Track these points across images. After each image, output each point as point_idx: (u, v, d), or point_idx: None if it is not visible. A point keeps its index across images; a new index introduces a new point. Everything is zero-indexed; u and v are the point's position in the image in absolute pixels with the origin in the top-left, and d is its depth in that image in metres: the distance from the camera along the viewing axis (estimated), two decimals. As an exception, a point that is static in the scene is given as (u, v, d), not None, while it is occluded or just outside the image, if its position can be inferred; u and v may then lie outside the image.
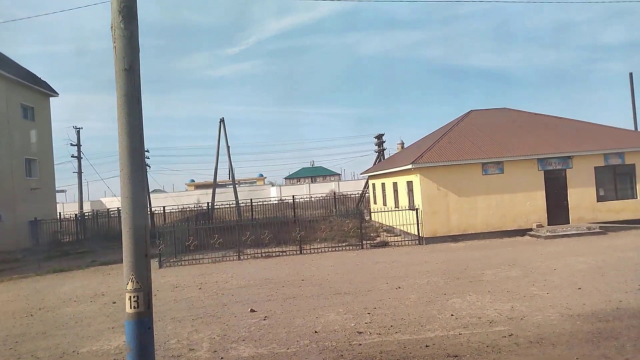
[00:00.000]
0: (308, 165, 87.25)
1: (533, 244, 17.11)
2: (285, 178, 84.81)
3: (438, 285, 11.14)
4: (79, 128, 39.35)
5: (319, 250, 18.34)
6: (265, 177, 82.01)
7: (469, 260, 14.42)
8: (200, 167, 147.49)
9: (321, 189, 53.72)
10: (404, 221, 19.87)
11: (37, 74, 31.19)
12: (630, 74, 29.81)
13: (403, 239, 19.56)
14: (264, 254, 18.16)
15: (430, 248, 17.75)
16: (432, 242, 18.60)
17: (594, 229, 18.37)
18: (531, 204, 19.17)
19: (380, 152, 36.15)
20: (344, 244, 19.27)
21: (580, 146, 19.81)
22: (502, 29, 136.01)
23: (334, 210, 32.01)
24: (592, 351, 6.45)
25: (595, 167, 19.62)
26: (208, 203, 33.97)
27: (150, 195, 48.31)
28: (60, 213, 32.63)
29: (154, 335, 8.33)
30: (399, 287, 11.16)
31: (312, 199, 35.98)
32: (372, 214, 29.12)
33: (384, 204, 25.65)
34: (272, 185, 67.59)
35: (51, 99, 31.91)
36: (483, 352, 6.68)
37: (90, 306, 11.49)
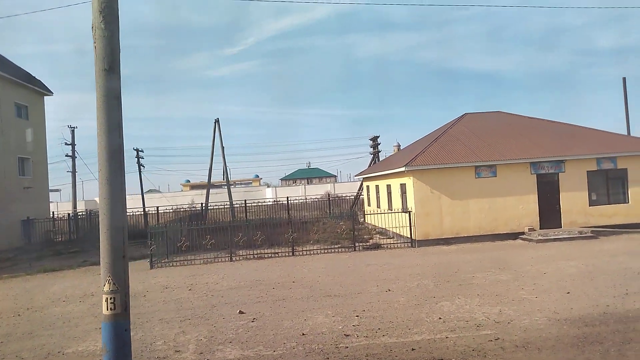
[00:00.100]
0: (304, 166, 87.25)
1: (525, 247, 17.16)
2: (281, 179, 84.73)
3: (428, 288, 11.15)
4: (74, 127, 39.15)
5: (312, 252, 18.32)
6: (261, 178, 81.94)
7: (460, 263, 14.45)
8: (196, 168, 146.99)
9: (317, 191, 53.73)
10: (397, 223, 19.88)
11: (31, 73, 31.09)
12: (624, 79, 29.98)
13: (396, 242, 19.58)
14: (256, 256, 18.13)
15: (423, 251, 17.77)
16: (424, 244, 18.62)
17: (586, 233, 18.44)
18: (523, 208, 19.23)
19: (375, 154, 36.15)
20: (336, 246, 19.27)
21: (572, 150, 19.90)
22: (497, 33, 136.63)
23: (328, 212, 31.99)
24: (577, 356, 6.47)
25: (587, 171, 19.71)
26: (202, 204, 33.87)
27: (145, 195, 48.20)
28: (53, 212, 32.50)
29: (141, 337, 8.34)
30: (389, 290, 11.16)
31: (307, 200, 35.95)
32: (366, 216, 29.11)
33: (378, 206, 25.67)
34: (268, 186, 67.53)
35: (46, 98, 31.78)
36: (469, 355, 6.68)
37: (79, 306, 11.44)
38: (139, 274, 15.85)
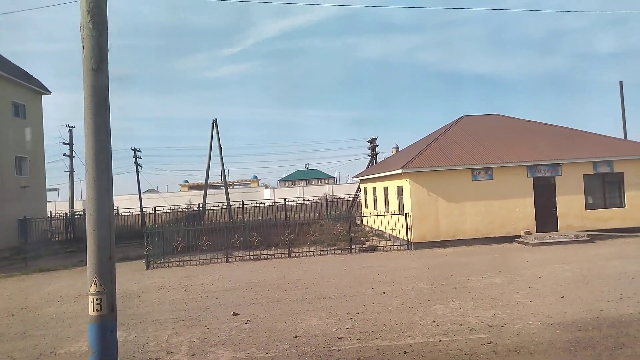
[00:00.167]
0: (303, 167, 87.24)
1: (521, 251, 17.17)
2: (280, 180, 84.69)
3: (423, 291, 11.15)
4: (72, 127, 39.12)
5: (308, 254, 18.31)
6: (260, 179, 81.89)
7: (456, 266, 14.45)
8: (195, 168, 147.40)
9: (315, 192, 53.69)
10: (393, 226, 19.88)
11: (29, 72, 31.03)
12: (620, 83, 30.08)
13: (392, 244, 19.58)
14: (252, 257, 18.12)
15: (419, 253, 17.76)
16: (420, 247, 18.61)
17: (582, 237, 18.45)
18: (520, 211, 19.24)
19: (373, 156, 36.17)
20: (333, 248, 19.26)
21: (569, 154, 19.92)
22: (497, 35, 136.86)
23: (326, 213, 31.98)
24: (569, 360, 6.47)
25: (584, 175, 19.73)
26: (199, 204, 33.83)
27: (143, 195, 48.16)
28: (50, 212, 32.41)
29: (134, 338, 8.32)
30: (384, 293, 11.16)
31: (305, 201, 35.92)
32: (363, 218, 29.11)
33: (375, 208, 25.67)
34: (266, 187, 67.46)
35: (44, 97, 31.72)
36: (461, 359, 6.68)
37: (73, 306, 11.41)
38: (135, 275, 15.83)
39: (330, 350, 7.31)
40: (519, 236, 19.03)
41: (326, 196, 37.72)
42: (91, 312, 3.60)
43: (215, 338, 8.19)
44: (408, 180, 18.93)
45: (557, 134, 22.37)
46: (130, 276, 15.56)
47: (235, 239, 18.90)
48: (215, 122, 34.00)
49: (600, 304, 9.24)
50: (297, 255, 18.23)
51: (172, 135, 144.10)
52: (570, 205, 19.56)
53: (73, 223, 31.17)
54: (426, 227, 18.87)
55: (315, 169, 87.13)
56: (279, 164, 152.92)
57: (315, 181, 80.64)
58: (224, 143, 62.25)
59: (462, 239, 18.88)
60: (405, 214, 19.09)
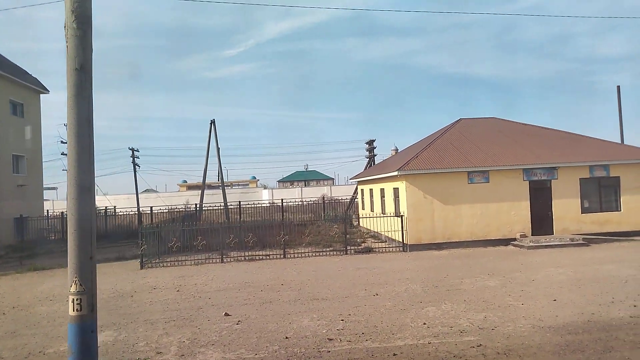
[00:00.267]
0: (302, 169, 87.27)
1: (516, 253, 17.16)
2: (279, 181, 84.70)
3: (415, 293, 11.14)
4: (70, 126, 39.05)
5: (303, 255, 18.29)
6: (258, 180, 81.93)
7: (450, 268, 14.44)
8: (194, 168, 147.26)
9: (313, 193, 53.68)
10: (389, 227, 19.87)
11: (28, 70, 31.05)
12: (618, 87, 30.12)
13: (388, 246, 19.56)
14: (247, 257, 18.10)
15: (414, 255, 17.75)
16: (416, 249, 18.60)
17: (578, 240, 18.45)
18: (516, 214, 19.24)
19: (371, 157, 36.16)
20: (328, 249, 19.24)
21: (565, 157, 19.93)
22: (500, 39, 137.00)
23: (323, 214, 31.97)
24: (557, 364, 6.46)
25: (580, 179, 19.73)
26: (196, 204, 33.81)
27: (142, 195, 48.14)
28: (48, 210, 32.42)
29: (124, 337, 8.30)
30: (377, 294, 11.15)
31: (303, 202, 35.91)
32: (360, 219, 29.10)
33: (372, 209, 25.67)
34: (265, 188, 67.47)
35: (42, 95, 31.72)
36: (449, 362, 6.67)
37: (66, 305, 11.20)
38: (129, 274, 15.81)
39: (319, 351, 7.30)
40: (515, 239, 19.02)
41: (323, 197, 37.66)
42: (71, 312, 3.59)
43: (206, 338, 8.18)
44: (404, 182, 18.93)
45: (554, 137, 22.38)
46: (124, 276, 15.54)
47: (230, 239, 18.89)
48: (213, 122, 34.00)
49: (592, 307, 9.23)
50: (292, 256, 18.22)
51: (172, 135, 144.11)
52: (566, 208, 19.56)
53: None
54: (422, 229, 18.86)
55: (315, 170, 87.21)
56: (278, 165, 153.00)
57: (314, 182, 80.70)
58: (224, 144, 62.29)
59: (458, 242, 18.86)
60: (401, 216, 19.08)
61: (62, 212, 31.77)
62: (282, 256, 18.17)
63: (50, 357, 7.61)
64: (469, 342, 7.46)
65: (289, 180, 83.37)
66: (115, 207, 37.42)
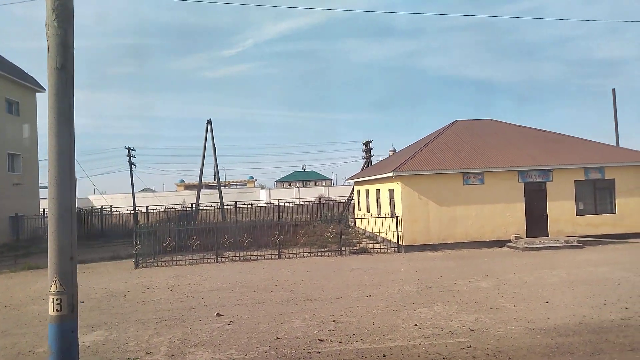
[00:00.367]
0: (300, 169, 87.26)
1: (510, 255, 17.17)
2: (277, 181, 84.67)
3: (408, 294, 11.13)
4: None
5: (298, 255, 18.27)
6: (256, 180, 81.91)
7: (444, 269, 14.44)
8: (192, 168, 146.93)
9: (311, 194, 53.65)
10: (384, 228, 19.88)
11: (24, 69, 30.94)
12: (613, 90, 30.14)
13: (383, 247, 19.56)
14: (242, 257, 18.07)
15: (409, 256, 17.75)
16: (411, 250, 18.61)
17: (572, 242, 18.47)
18: (510, 216, 19.27)
19: (368, 158, 36.16)
20: (323, 250, 19.23)
21: (560, 159, 19.96)
22: (496, 42, 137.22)
23: (319, 215, 31.95)
24: (546, 366, 6.46)
25: (575, 181, 19.77)
26: (192, 204, 33.77)
27: (139, 194, 48.04)
28: (44, 209, 32.26)
29: (115, 337, 8.28)
30: (370, 295, 11.14)
31: (300, 203, 35.89)
32: (356, 220, 29.10)
33: (368, 210, 25.67)
34: (262, 188, 67.44)
35: (38, 94, 31.63)
36: (439, 363, 6.67)
37: (58, 305, 11.33)
38: (123, 274, 15.78)
39: (309, 352, 7.29)
40: (510, 241, 19.05)
41: (320, 198, 37.65)
42: (51, 312, 3.58)
43: (196, 339, 8.16)
44: (399, 183, 18.93)
45: (548, 139, 22.42)
46: (118, 275, 15.51)
47: (225, 239, 18.86)
48: (209, 122, 33.95)
49: (584, 309, 9.24)
50: (287, 256, 18.20)
51: (170, 135, 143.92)
52: (561, 210, 19.59)
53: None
54: (417, 230, 18.87)
55: (312, 171, 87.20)
56: (276, 165, 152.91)
57: (312, 183, 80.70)
58: (221, 143, 62.22)
59: (453, 243, 18.88)
60: (396, 217, 19.08)
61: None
62: (277, 256, 18.15)
63: (39, 356, 7.58)
64: (459, 343, 7.47)
65: (287, 181, 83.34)
66: (111, 206, 37.35)
